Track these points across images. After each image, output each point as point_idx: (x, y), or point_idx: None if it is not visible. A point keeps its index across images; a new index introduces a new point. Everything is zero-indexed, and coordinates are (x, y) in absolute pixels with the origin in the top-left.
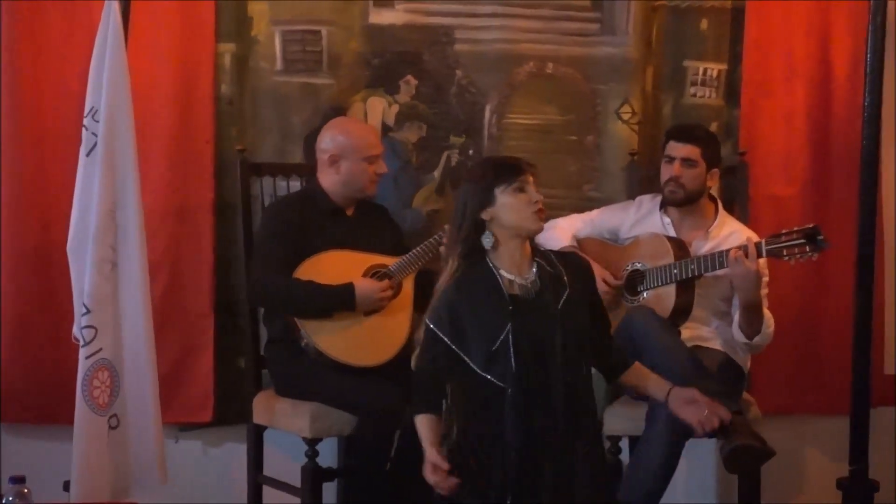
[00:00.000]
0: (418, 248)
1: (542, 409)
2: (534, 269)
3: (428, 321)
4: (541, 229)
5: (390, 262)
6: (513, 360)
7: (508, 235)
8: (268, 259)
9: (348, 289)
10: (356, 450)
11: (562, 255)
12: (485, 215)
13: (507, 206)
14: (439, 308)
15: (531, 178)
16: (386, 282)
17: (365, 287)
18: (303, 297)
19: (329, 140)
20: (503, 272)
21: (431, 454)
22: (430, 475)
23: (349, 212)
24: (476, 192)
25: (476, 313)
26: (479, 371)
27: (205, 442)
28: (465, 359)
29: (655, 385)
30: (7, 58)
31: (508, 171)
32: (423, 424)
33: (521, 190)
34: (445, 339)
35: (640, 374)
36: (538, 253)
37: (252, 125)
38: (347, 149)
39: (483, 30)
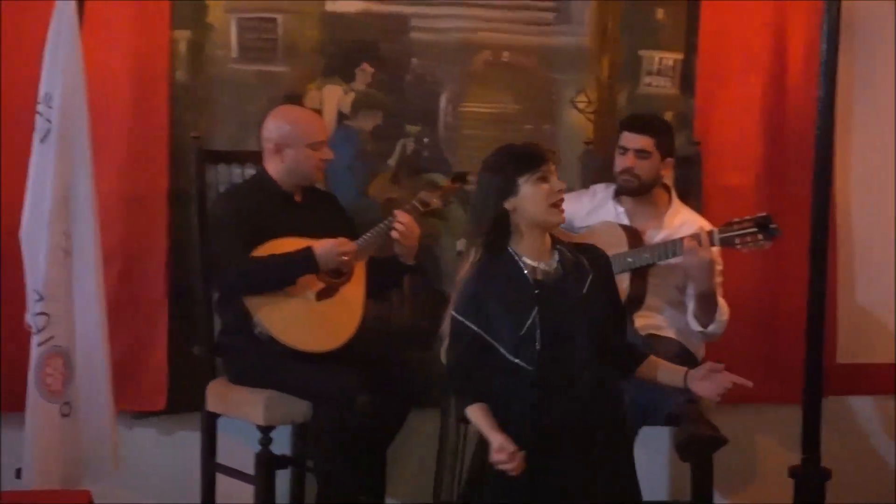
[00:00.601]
0: (369, 234)
1: (565, 393)
2: (556, 257)
3: (454, 312)
4: (562, 221)
5: None
6: (538, 341)
7: (530, 225)
8: (230, 248)
9: (307, 252)
10: (312, 436)
11: (583, 246)
12: (508, 205)
13: (530, 196)
14: (464, 298)
15: (553, 167)
16: (343, 238)
17: (325, 245)
18: (267, 272)
19: (273, 128)
20: (526, 259)
21: (497, 438)
22: (499, 457)
23: (298, 198)
24: (499, 181)
25: (502, 300)
26: (508, 356)
27: (158, 430)
28: (495, 344)
29: (670, 373)
30: None
31: (531, 159)
32: (478, 414)
33: (544, 179)
34: (474, 328)
35: (654, 365)
36: (558, 241)
37: (207, 112)
38: (291, 136)
39: (439, 18)
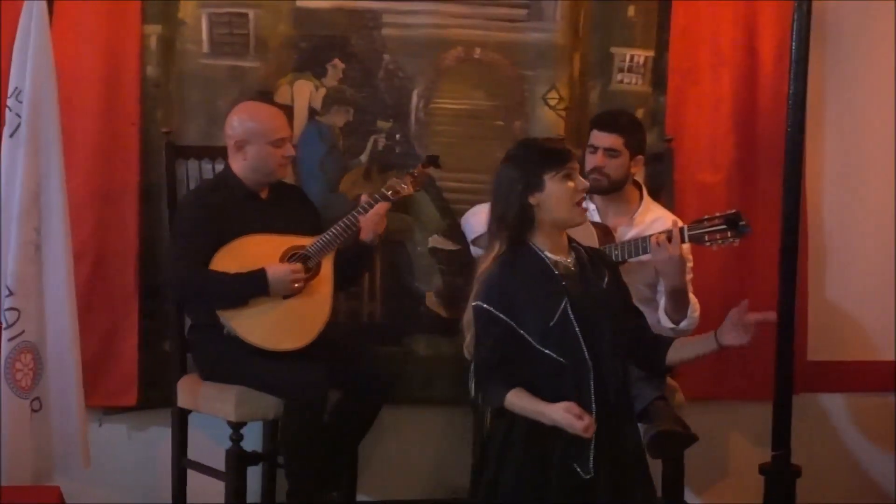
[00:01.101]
0: (335, 228)
1: (597, 384)
2: (572, 254)
3: (482, 304)
4: (584, 221)
5: (307, 242)
6: (578, 329)
7: (553, 222)
8: (183, 254)
9: (260, 274)
10: (283, 433)
11: (591, 249)
12: (532, 200)
13: (555, 194)
14: (492, 289)
15: (577, 166)
16: (298, 264)
17: (277, 271)
18: (217, 289)
19: (236, 125)
20: (547, 253)
21: (554, 408)
22: (570, 419)
23: (263, 195)
24: (524, 176)
25: (529, 291)
26: (538, 346)
27: (129, 426)
28: (524, 335)
29: (699, 343)
30: None
31: (557, 157)
32: (520, 397)
33: (569, 177)
34: (504, 318)
35: (682, 345)
36: (572, 239)
37: (178, 108)
38: (253, 133)
39: (411, 14)
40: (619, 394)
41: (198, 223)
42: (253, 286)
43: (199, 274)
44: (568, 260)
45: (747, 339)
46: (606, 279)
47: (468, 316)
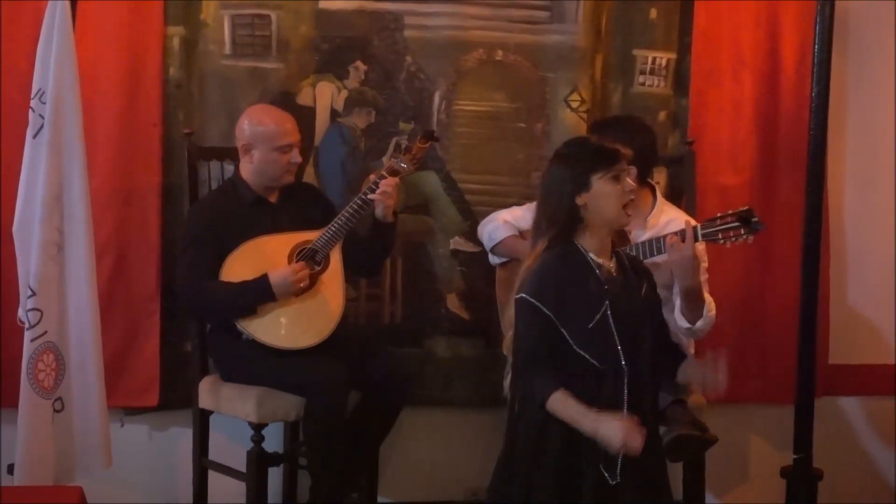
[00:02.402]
0: (339, 217)
1: (633, 390)
2: (614, 258)
3: (529, 297)
4: (628, 224)
5: (314, 236)
6: (616, 335)
7: (599, 223)
8: (189, 267)
9: (263, 282)
10: (304, 434)
11: (631, 256)
12: (580, 200)
13: (603, 195)
14: (541, 283)
15: (626, 167)
16: (299, 264)
17: (279, 275)
18: (223, 303)
19: (245, 128)
20: (592, 255)
21: (610, 424)
22: (632, 437)
23: (272, 198)
24: (573, 176)
25: (577, 290)
26: (575, 348)
27: (150, 426)
28: (564, 334)
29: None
30: None
31: (606, 157)
32: (566, 399)
33: (617, 179)
34: (549, 314)
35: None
36: (615, 245)
37: (199, 109)
38: (259, 137)
39: (432, 16)
40: (651, 403)
41: (202, 236)
42: (258, 294)
43: (204, 290)
44: (610, 264)
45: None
46: (645, 287)
47: (510, 313)
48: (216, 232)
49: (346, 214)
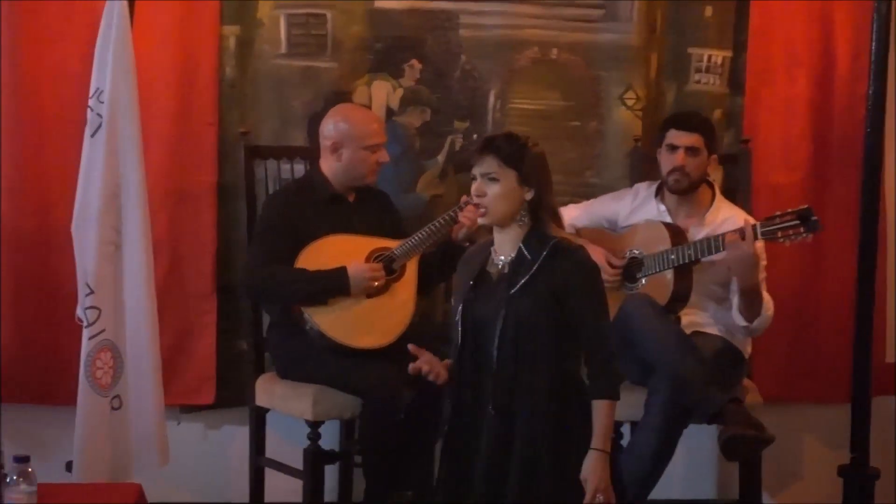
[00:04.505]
0: (424, 230)
1: (472, 390)
2: (512, 253)
3: None
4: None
5: (393, 245)
6: (459, 336)
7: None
8: (260, 252)
9: (341, 272)
10: (360, 432)
11: (563, 248)
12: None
13: None
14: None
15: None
16: (378, 264)
17: (358, 269)
18: (292, 286)
19: (332, 127)
20: (494, 249)
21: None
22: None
23: (350, 198)
24: None
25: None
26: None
27: (206, 424)
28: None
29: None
30: (7, 39)
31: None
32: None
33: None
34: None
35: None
36: (534, 239)
37: (254, 108)
38: (349, 136)
39: (486, 15)
40: (506, 405)
41: (277, 224)
42: (333, 284)
43: (276, 273)
44: (502, 260)
45: None
46: (523, 281)
47: None
48: (291, 222)
49: (432, 228)
